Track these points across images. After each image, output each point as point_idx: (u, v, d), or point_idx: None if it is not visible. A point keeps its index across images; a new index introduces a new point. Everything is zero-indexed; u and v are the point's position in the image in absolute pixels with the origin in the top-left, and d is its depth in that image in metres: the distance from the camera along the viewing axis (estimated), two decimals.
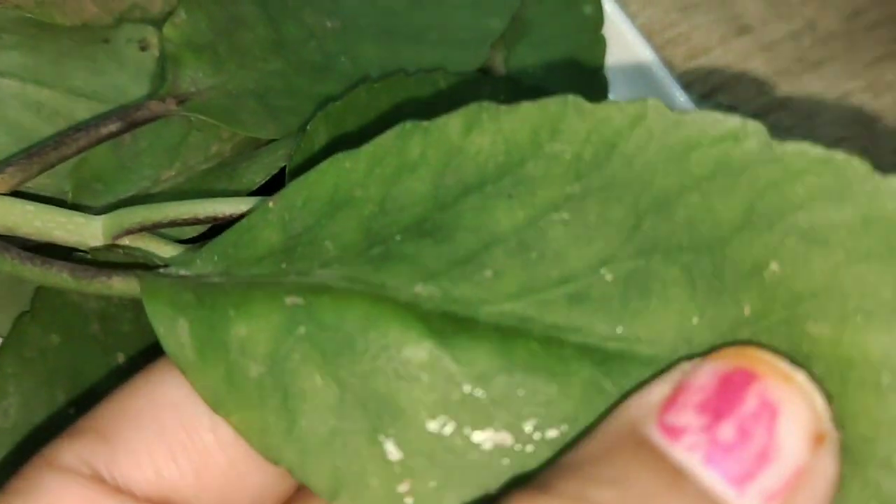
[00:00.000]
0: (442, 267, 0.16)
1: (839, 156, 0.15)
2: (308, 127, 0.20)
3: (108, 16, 0.23)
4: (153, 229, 0.19)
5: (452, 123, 0.16)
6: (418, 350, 0.16)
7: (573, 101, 0.16)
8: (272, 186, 0.21)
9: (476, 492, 0.14)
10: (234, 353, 0.16)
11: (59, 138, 0.20)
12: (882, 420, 0.14)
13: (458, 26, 0.24)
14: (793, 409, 0.14)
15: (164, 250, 0.19)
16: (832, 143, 0.33)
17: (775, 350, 0.15)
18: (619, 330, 0.15)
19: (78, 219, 0.19)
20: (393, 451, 0.15)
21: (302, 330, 0.16)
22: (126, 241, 0.19)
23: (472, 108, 0.16)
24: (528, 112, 0.16)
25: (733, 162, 0.15)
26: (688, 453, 0.14)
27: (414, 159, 0.17)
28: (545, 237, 0.16)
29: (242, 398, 0.16)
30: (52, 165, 0.20)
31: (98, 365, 0.21)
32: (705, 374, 0.14)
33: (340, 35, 0.23)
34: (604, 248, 0.15)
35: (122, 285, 0.18)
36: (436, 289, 0.16)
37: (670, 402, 0.14)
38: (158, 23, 0.23)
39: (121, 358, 0.21)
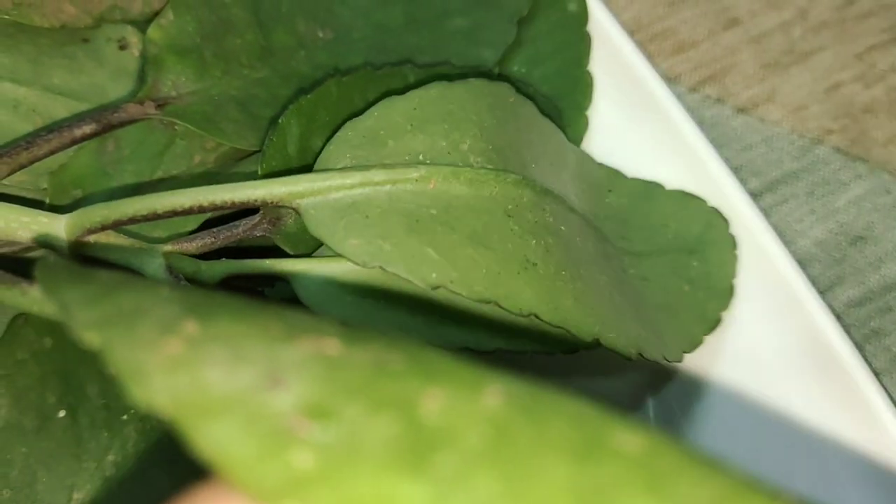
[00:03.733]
0: None
1: None
2: (280, 120, 0.20)
3: (88, 17, 0.23)
4: (116, 227, 0.18)
5: None
6: None
7: None
8: None
9: None
10: None
11: (30, 139, 0.20)
12: None
13: (451, 53, 0.23)
14: None
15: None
16: (821, 135, 0.33)
17: None
18: None
19: (42, 218, 0.18)
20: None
21: None
22: (91, 240, 0.18)
23: None
24: None
25: None
26: None
27: None
28: None
29: None
30: (23, 166, 0.20)
31: (89, 369, 0.21)
32: None
33: (331, 47, 0.22)
34: None
35: (38, 296, 0.17)
36: None
37: None
38: (138, 23, 0.23)
39: None
